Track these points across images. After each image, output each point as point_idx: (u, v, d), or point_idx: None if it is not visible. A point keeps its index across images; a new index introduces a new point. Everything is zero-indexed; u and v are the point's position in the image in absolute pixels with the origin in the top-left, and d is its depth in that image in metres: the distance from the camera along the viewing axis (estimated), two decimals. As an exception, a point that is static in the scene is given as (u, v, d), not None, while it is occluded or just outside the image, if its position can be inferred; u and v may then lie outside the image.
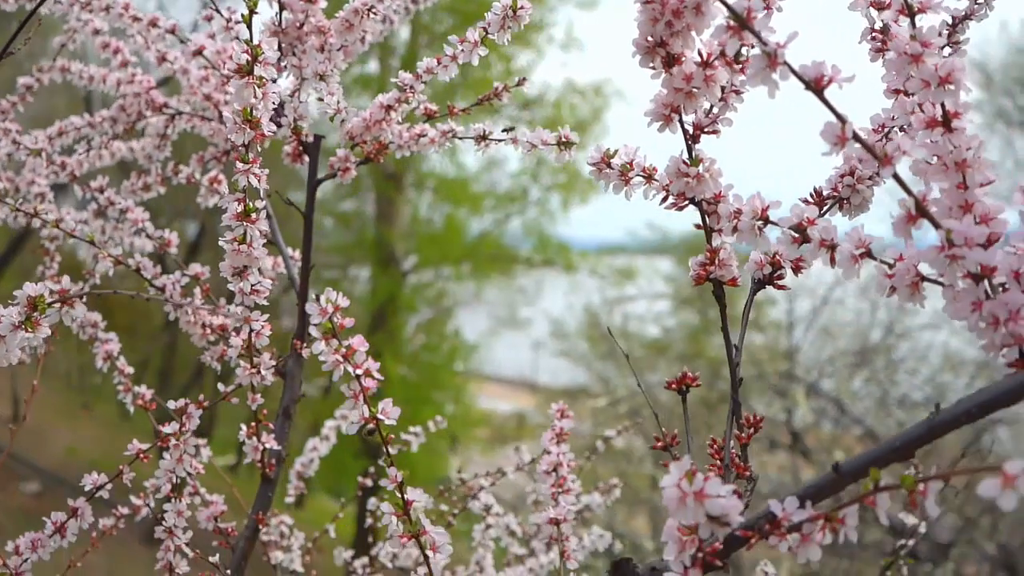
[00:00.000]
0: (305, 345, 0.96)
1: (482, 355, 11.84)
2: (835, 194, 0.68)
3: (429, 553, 0.64)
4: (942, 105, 0.53)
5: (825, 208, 0.68)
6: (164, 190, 1.20)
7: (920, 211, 0.51)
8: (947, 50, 0.73)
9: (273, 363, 0.90)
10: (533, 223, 11.58)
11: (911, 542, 1.08)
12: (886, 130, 0.69)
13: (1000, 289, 0.52)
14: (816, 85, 0.51)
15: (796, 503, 0.51)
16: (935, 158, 0.54)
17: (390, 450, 0.64)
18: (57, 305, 0.66)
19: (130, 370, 1.09)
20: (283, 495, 1.39)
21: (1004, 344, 0.51)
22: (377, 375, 0.62)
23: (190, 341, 1.09)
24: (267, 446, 0.96)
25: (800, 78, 0.50)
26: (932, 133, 0.54)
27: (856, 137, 0.50)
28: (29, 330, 0.67)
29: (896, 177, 0.51)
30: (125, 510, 1.14)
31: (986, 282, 0.53)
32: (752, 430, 0.63)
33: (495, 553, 1.31)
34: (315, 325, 0.61)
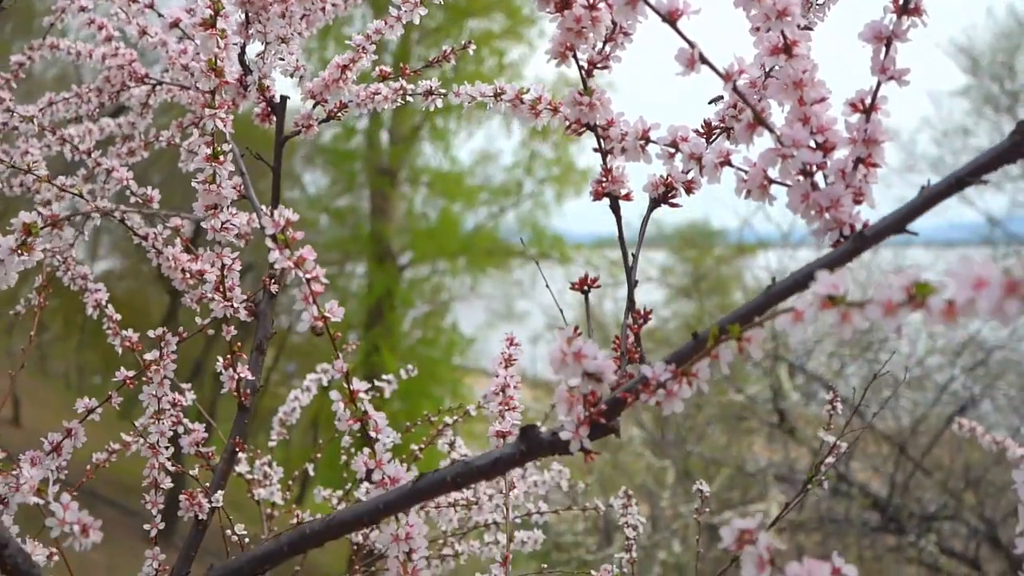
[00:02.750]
0: (275, 283, 1.06)
1: (479, 349, 11.91)
2: (722, 124, 0.78)
3: (373, 434, 0.75)
4: (782, 34, 0.64)
5: (714, 136, 0.79)
6: (147, 154, 1.31)
7: (758, 120, 0.62)
8: None
9: (244, 297, 1.01)
10: (528, 216, 11.69)
11: (831, 459, 1.19)
12: (767, 68, 0.79)
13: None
14: (671, 17, 0.61)
15: (663, 366, 0.62)
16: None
17: (338, 352, 0.75)
18: (48, 228, 0.77)
19: (118, 316, 1.20)
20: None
21: (828, 228, 0.61)
22: (324, 280, 0.73)
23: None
24: (242, 376, 1.07)
25: (656, 12, 0.61)
26: (777, 59, 0.65)
27: (703, 59, 0.61)
28: (24, 252, 0.78)
29: (736, 91, 0.62)
30: (116, 445, 1.25)
31: (821, 178, 0.63)
32: (643, 321, 0.73)
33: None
34: (269, 236, 0.71)
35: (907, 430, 6.74)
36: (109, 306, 1.21)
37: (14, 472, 0.75)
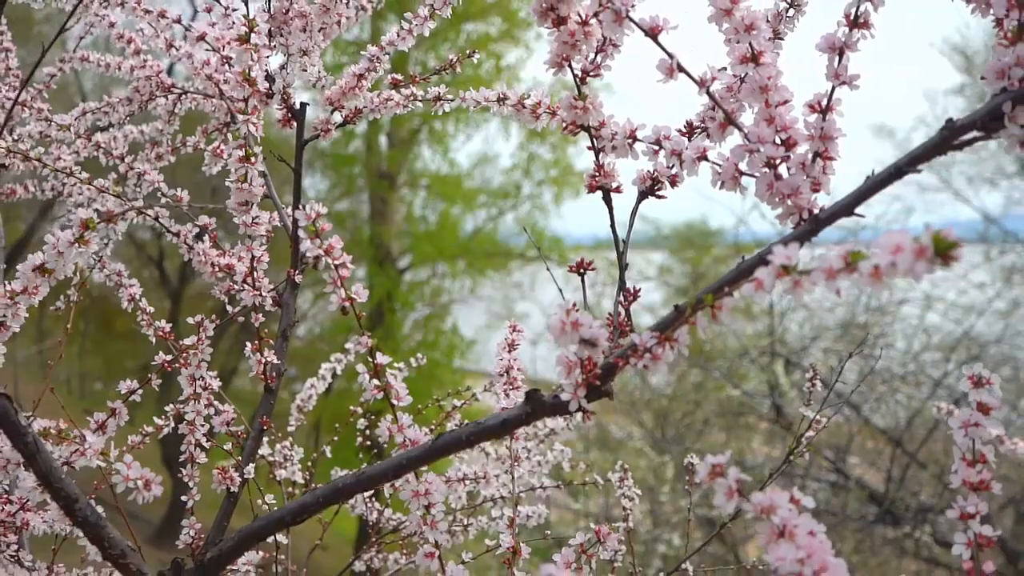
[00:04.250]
0: (298, 273, 1.16)
1: (480, 351, 12.00)
2: (701, 125, 0.88)
3: (395, 402, 0.85)
4: (750, 45, 0.74)
5: (695, 135, 0.88)
6: (174, 159, 1.41)
7: (728, 120, 0.72)
8: (791, 11, 0.93)
9: (272, 287, 1.11)
10: (526, 218, 11.80)
11: (810, 434, 1.28)
12: (740, 75, 0.89)
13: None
14: (652, 32, 0.71)
15: (650, 334, 0.71)
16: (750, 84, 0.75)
17: (361, 323, 0.85)
18: (103, 224, 0.87)
19: (151, 309, 1.29)
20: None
21: (790, 213, 0.71)
22: (350, 265, 0.83)
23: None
24: (269, 360, 1.16)
25: (640, 28, 0.71)
26: (746, 66, 0.74)
27: (680, 68, 0.71)
28: (82, 245, 0.87)
29: (710, 96, 0.72)
30: (150, 429, 1.35)
31: (785, 170, 0.73)
32: (633, 298, 0.83)
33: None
34: (302, 227, 0.81)
35: (903, 424, 6.84)
36: (143, 299, 1.31)
37: (78, 439, 0.84)
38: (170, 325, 1.26)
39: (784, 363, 6.10)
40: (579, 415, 0.76)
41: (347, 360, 1.70)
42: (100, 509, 0.82)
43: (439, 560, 0.83)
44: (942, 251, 0.48)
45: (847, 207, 0.67)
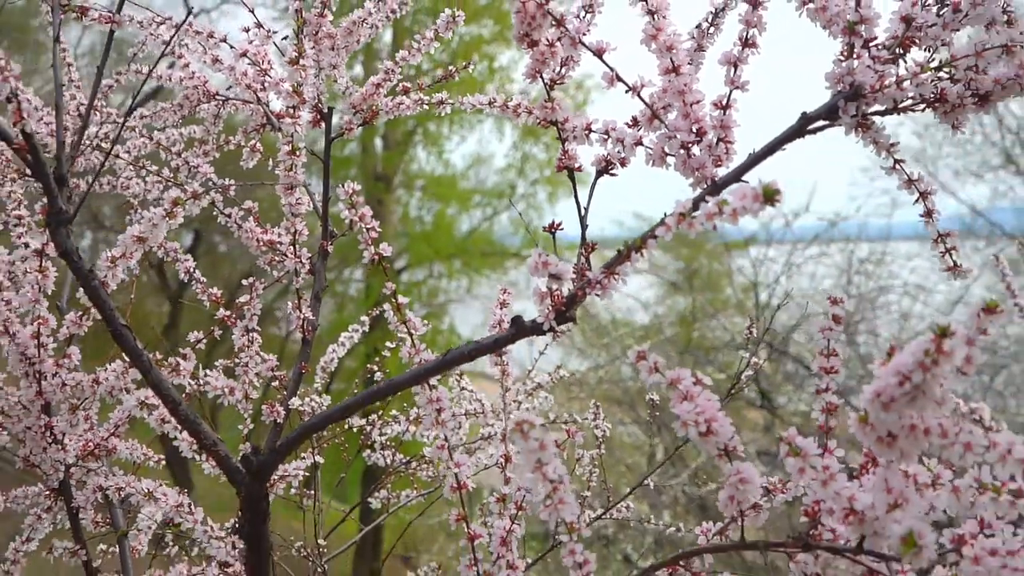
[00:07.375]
0: (329, 244, 1.43)
1: (477, 350, 12.11)
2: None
3: (413, 331, 1.12)
4: (671, 60, 1.01)
5: (638, 127, 1.16)
6: (219, 155, 1.68)
7: (654, 115, 0.99)
8: (712, 29, 1.20)
9: (310, 255, 1.38)
10: (521, 218, 12.05)
11: (749, 372, 1.55)
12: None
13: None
14: (598, 52, 0.98)
15: (601, 271, 0.99)
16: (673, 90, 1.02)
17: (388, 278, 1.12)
18: (191, 200, 1.14)
19: (204, 280, 1.56)
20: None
21: (699, 181, 0.99)
22: (377, 229, 1.10)
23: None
24: (306, 316, 1.44)
25: (589, 49, 0.98)
26: (669, 76, 1.02)
27: (618, 78, 0.98)
28: (171, 218, 1.14)
29: (640, 97, 0.99)
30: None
31: (696, 151, 1.00)
32: (592, 249, 1.10)
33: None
34: (341, 200, 1.08)
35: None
36: (196, 271, 1.58)
37: (171, 366, 1.11)
38: (221, 296, 1.53)
39: (768, 349, 6.39)
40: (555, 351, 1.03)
41: (363, 330, 1.97)
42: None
43: (448, 451, 1.11)
44: (769, 196, 0.75)
45: (735, 176, 0.95)
